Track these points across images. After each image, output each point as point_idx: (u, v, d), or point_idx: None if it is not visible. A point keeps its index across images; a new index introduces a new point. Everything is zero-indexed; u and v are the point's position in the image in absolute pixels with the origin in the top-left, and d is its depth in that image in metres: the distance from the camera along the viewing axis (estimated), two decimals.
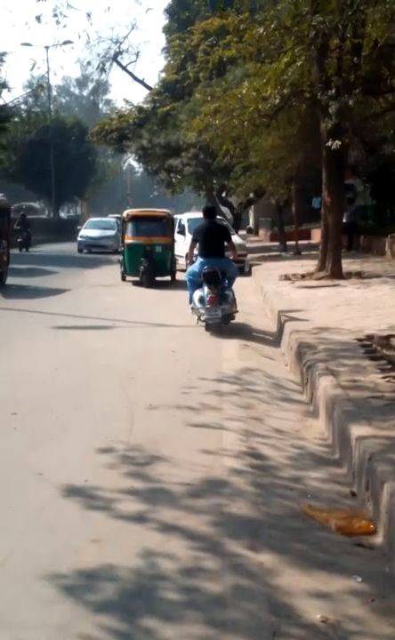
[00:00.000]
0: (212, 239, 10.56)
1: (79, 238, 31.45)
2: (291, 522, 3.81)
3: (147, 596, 3.06)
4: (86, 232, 31.83)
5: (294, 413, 5.94)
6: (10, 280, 16.77)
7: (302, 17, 12.04)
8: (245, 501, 4.01)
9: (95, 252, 29.84)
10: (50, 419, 5.65)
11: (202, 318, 10.06)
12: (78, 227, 33.09)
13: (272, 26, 12.37)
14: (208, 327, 9.92)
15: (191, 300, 10.35)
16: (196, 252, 10.69)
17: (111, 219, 34.66)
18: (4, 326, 10.60)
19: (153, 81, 38.90)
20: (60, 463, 4.62)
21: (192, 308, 10.32)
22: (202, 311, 9.94)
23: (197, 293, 10.12)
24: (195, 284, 10.40)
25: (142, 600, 3.03)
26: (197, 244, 10.64)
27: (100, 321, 10.90)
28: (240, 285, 16.34)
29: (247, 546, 3.49)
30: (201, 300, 9.95)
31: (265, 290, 13.63)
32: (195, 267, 10.48)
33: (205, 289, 9.94)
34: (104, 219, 36.39)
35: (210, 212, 11.00)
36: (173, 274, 17.26)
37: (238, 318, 10.74)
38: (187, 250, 19.60)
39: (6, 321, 11.18)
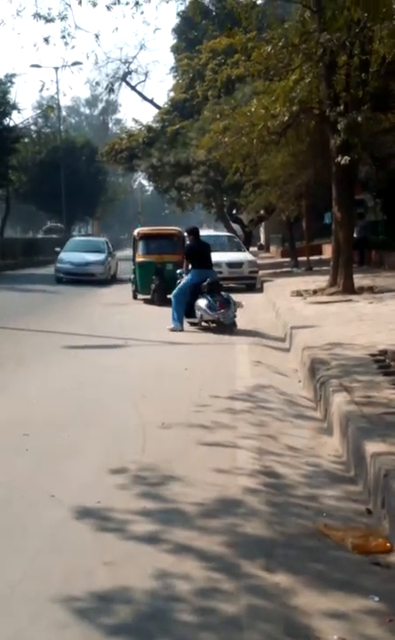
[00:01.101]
0: (204, 254, 12.60)
1: (57, 264, 24.26)
2: (306, 541, 3.76)
3: (162, 618, 3.01)
4: (67, 256, 24.31)
5: (308, 430, 5.89)
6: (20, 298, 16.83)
7: (310, 34, 12.15)
8: (260, 521, 3.97)
9: (78, 281, 22.89)
10: (62, 439, 5.62)
11: (219, 319, 11.49)
12: (56, 248, 26.16)
13: (280, 44, 12.48)
14: (221, 329, 11.41)
15: (178, 317, 11.82)
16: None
17: (100, 239, 29.96)
18: (16, 346, 10.60)
19: (162, 100, 39.12)
20: (72, 484, 4.59)
21: (201, 313, 11.82)
22: (216, 315, 11.53)
23: (202, 301, 11.73)
24: (184, 295, 12.04)
25: (157, 622, 2.98)
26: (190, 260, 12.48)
27: (112, 340, 10.90)
28: (252, 302, 16.37)
29: (262, 566, 3.44)
30: (210, 306, 11.60)
31: (277, 306, 13.61)
32: (191, 279, 12.15)
33: (209, 296, 11.72)
34: (91, 238, 32.03)
35: (196, 232, 13.11)
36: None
37: (251, 334, 10.79)
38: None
39: (20, 341, 11.19)
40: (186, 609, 3.08)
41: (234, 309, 11.74)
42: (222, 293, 12.02)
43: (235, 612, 3.05)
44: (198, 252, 12.53)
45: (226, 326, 11.47)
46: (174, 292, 12.17)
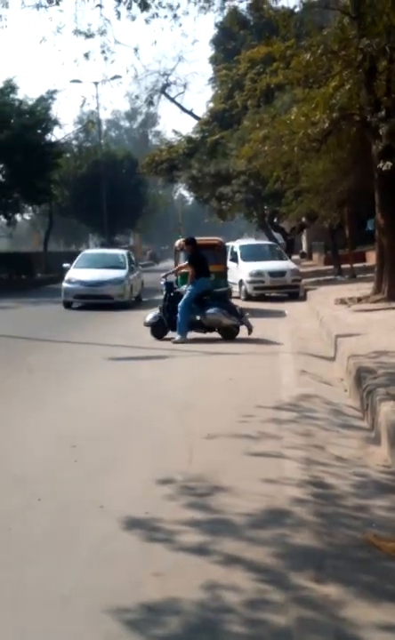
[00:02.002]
0: (205, 263, 12.95)
1: (64, 284, 19.70)
2: (356, 552, 3.71)
3: (211, 630, 3.01)
4: (77, 274, 19.80)
5: (356, 440, 5.82)
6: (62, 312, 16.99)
7: (349, 41, 12.11)
8: (309, 532, 3.94)
9: (92, 304, 18.86)
10: (109, 450, 5.66)
11: (246, 324, 11.89)
12: (65, 264, 21.57)
13: (319, 51, 12.46)
14: (229, 335, 12.07)
15: (185, 328, 12.01)
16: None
17: (119, 251, 23.64)
18: (61, 359, 10.71)
19: (201, 111, 39.34)
20: (120, 495, 4.61)
21: (218, 320, 12.00)
22: (238, 321, 11.98)
23: (216, 309, 11.99)
24: (190, 306, 12.14)
25: (207, 633, 2.98)
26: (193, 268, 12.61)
27: (155, 351, 10.95)
28: (295, 310, 16.30)
29: (312, 577, 3.41)
30: (232, 311, 12.10)
31: (321, 314, 13.52)
32: (198, 288, 12.33)
33: (219, 303, 12.09)
34: (107, 251, 25.46)
35: (194, 242, 13.32)
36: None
37: (295, 344, 10.77)
38: (240, 276, 19.67)
39: (63, 353, 11.31)
40: (235, 620, 3.06)
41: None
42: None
43: (285, 623, 3.03)
44: (202, 261, 12.81)
45: (233, 332, 12.05)
46: (182, 303, 12.10)
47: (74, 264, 20.85)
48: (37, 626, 3.08)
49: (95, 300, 19.00)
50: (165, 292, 12.55)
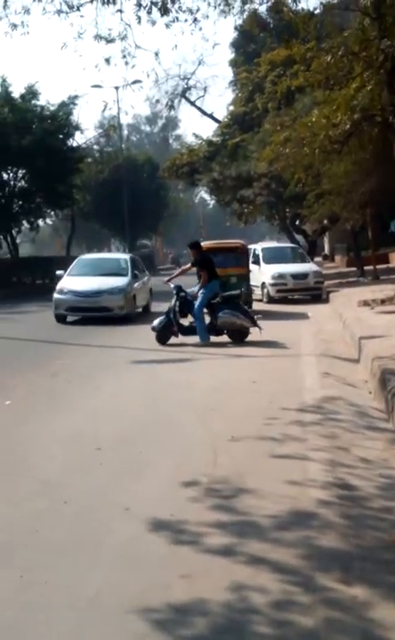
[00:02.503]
0: (213, 265, 12.89)
1: (56, 295, 16.85)
2: (383, 554, 3.70)
3: (238, 631, 3.01)
4: (71, 283, 17.05)
5: (381, 442, 5.80)
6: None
7: (370, 42, 12.07)
8: (335, 533, 3.93)
9: (88, 317, 16.48)
10: (133, 453, 5.68)
11: (257, 326, 11.88)
12: (58, 272, 18.80)
13: (340, 52, 12.42)
14: (239, 337, 12.04)
15: (203, 330, 12.03)
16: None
17: (121, 255, 21.40)
18: (84, 362, 10.77)
19: (222, 114, 39.42)
20: (145, 497, 4.63)
21: (234, 321, 12.01)
22: (251, 324, 11.94)
23: (227, 311, 11.96)
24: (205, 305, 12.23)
25: (234, 634, 2.99)
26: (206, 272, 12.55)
27: (178, 354, 10.97)
28: (318, 312, 16.25)
29: (339, 579, 3.40)
30: (246, 314, 12.09)
31: (344, 316, 13.47)
32: (211, 291, 12.32)
33: (230, 306, 12.03)
34: (108, 255, 23.52)
35: (199, 245, 13.42)
36: (249, 304, 17.21)
37: (318, 346, 10.75)
38: (262, 278, 19.63)
39: (87, 357, 11.36)
40: (262, 621, 3.07)
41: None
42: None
43: (312, 624, 3.03)
44: (210, 264, 12.83)
45: (243, 335, 12.06)
46: (197, 308, 12.17)
47: (68, 271, 18.09)
48: (64, 627, 3.11)
49: (91, 312, 16.42)
50: (175, 296, 12.43)
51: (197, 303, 12.16)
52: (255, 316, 12.18)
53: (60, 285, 16.99)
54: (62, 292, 16.73)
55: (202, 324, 11.96)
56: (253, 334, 11.93)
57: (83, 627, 3.10)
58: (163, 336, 12.17)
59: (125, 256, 19.93)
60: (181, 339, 12.17)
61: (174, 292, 12.50)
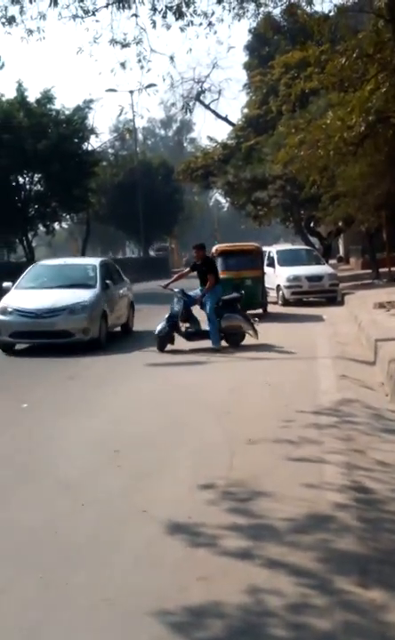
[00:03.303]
0: (217, 269, 12.82)
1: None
2: None
3: (255, 633, 3.03)
4: (19, 298, 12.98)
5: None
6: None
7: (385, 44, 12.02)
8: (352, 537, 3.93)
9: (42, 345, 12.40)
10: (150, 455, 5.71)
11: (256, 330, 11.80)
12: (4, 283, 14.38)
13: (354, 55, 12.39)
14: (235, 341, 11.87)
15: (216, 334, 11.76)
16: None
17: (89, 261, 16.28)
18: (101, 365, 10.80)
19: (236, 117, 39.29)
20: (163, 500, 4.65)
21: (238, 324, 11.89)
22: (252, 327, 11.81)
23: (232, 314, 11.82)
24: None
25: (250, 637, 3.01)
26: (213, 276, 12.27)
27: (192, 356, 10.98)
28: (333, 315, 16.21)
29: (357, 582, 3.40)
30: (246, 318, 11.92)
31: (359, 319, 13.43)
32: (218, 293, 12.16)
33: (232, 309, 11.90)
34: (71, 261, 17.43)
35: (204, 247, 12.98)
36: (264, 306, 17.24)
37: (333, 349, 10.75)
38: (277, 281, 19.58)
39: (104, 360, 11.39)
40: (279, 624, 3.08)
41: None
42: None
43: (329, 627, 3.04)
44: (215, 267, 12.68)
45: (240, 338, 11.90)
46: (210, 312, 11.84)
47: (17, 283, 13.77)
48: (83, 627, 3.13)
49: (45, 339, 12.28)
50: (181, 301, 11.89)
51: (207, 307, 11.93)
52: (253, 320, 12.05)
53: (3, 302, 12.68)
54: (5, 312, 12.33)
55: (215, 329, 11.81)
56: (248, 338, 11.87)
57: (102, 628, 3.12)
58: (163, 342, 11.69)
59: (94, 261, 15.06)
60: (179, 344, 11.81)
61: (178, 295, 12.04)
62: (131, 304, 15.14)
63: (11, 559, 3.88)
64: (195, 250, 12.87)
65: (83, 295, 12.67)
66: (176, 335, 11.84)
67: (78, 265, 15.22)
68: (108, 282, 13.56)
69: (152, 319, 13.33)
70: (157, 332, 11.72)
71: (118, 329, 14.41)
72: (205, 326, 11.99)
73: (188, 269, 12.94)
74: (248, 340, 11.87)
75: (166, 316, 11.82)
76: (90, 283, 13.30)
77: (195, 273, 12.69)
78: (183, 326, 11.97)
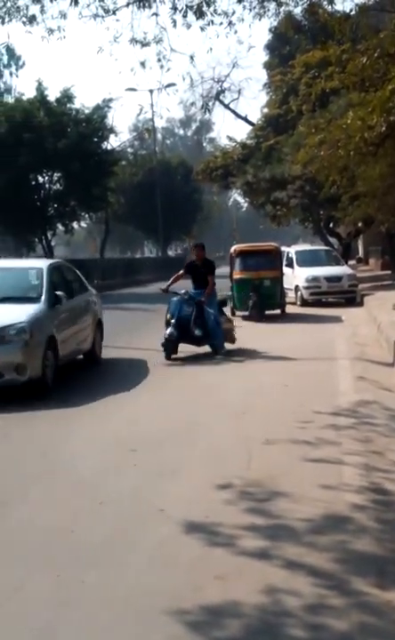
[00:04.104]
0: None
1: None
2: None
3: (272, 633, 3.03)
4: None
5: None
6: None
7: None
8: (370, 538, 3.91)
9: None
10: (167, 454, 5.72)
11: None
12: None
13: (375, 54, 12.32)
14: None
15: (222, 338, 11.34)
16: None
17: (34, 264, 11.28)
18: (119, 365, 10.81)
19: (255, 116, 39.20)
20: (179, 499, 4.65)
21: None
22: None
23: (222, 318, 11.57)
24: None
25: (268, 637, 3.00)
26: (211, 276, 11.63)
27: (208, 356, 10.96)
28: (352, 316, 16.14)
29: (374, 583, 3.39)
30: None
31: (379, 320, 13.37)
32: (216, 294, 11.71)
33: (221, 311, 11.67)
34: (8, 264, 12.65)
35: (204, 247, 12.35)
36: (282, 307, 17.21)
37: (352, 350, 10.73)
38: (296, 281, 19.50)
39: (122, 359, 11.41)
40: (296, 624, 3.07)
41: None
42: None
43: (346, 628, 3.03)
44: (214, 268, 12.02)
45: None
46: (216, 316, 11.13)
47: None
48: (99, 626, 3.14)
49: None
50: (190, 305, 11.05)
51: (212, 311, 11.14)
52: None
53: None
54: None
55: (221, 332, 11.26)
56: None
57: (117, 626, 3.13)
58: (171, 348, 10.82)
59: (40, 264, 10.67)
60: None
61: (185, 297, 11.18)
62: (98, 323, 11.08)
63: (27, 558, 3.89)
64: (195, 249, 12.32)
65: (18, 314, 8.60)
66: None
67: (16, 270, 10.85)
68: (59, 293, 9.39)
69: (151, 327, 13.10)
70: (166, 336, 10.78)
71: (80, 356, 10.43)
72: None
73: (182, 272, 11.87)
74: (264, 341, 11.87)
75: (171, 320, 10.96)
76: (32, 295, 9.36)
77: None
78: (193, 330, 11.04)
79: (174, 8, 10.52)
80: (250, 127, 37.69)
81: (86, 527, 4.28)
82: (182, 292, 11.33)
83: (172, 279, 11.83)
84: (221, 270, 17.06)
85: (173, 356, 10.81)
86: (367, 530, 4.03)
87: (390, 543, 3.85)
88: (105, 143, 35.76)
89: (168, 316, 11.13)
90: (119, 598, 3.36)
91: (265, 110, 36.30)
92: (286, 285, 17.68)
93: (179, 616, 3.16)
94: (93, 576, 3.61)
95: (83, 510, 4.55)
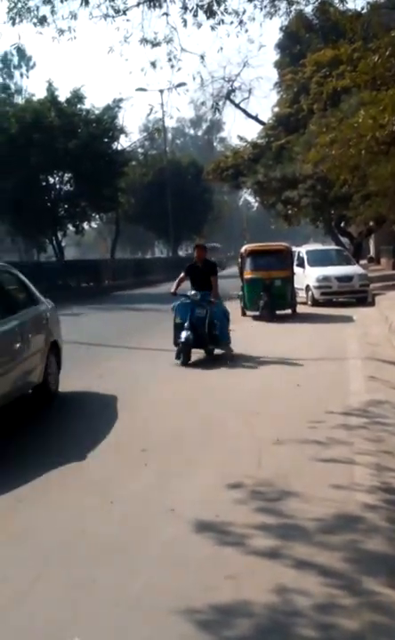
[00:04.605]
0: None
1: None
2: None
3: (283, 633, 3.02)
4: None
5: None
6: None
7: None
8: (381, 537, 3.90)
9: None
10: (178, 454, 5.71)
11: None
12: None
13: (387, 53, 12.28)
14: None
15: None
16: None
17: None
18: (129, 365, 10.83)
19: (266, 116, 39.17)
20: (190, 499, 4.65)
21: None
22: None
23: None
24: None
25: (278, 636, 3.00)
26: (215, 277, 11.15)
27: (219, 356, 10.95)
28: (363, 316, 16.09)
29: (385, 583, 3.38)
30: None
31: (390, 320, 13.32)
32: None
33: None
34: None
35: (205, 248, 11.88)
36: (293, 307, 17.17)
37: (363, 349, 10.68)
38: (307, 281, 19.46)
39: (132, 360, 11.43)
40: (307, 623, 3.07)
41: None
42: None
43: (357, 628, 3.02)
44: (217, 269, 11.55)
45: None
46: (222, 318, 10.86)
47: None
48: (110, 625, 3.14)
49: None
50: (204, 306, 10.64)
51: (216, 312, 10.80)
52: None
53: None
54: None
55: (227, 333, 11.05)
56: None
57: (128, 625, 3.13)
58: (188, 354, 10.41)
59: None
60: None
61: (196, 299, 10.72)
62: (51, 345, 8.34)
63: (38, 557, 3.90)
64: (196, 250, 11.66)
65: None
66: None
67: None
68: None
69: (163, 328, 12.35)
70: (182, 340, 10.33)
71: (29, 391, 7.71)
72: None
73: (183, 274, 11.26)
74: (275, 341, 11.85)
75: (183, 324, 10.53)
76: None
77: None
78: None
79: (185, 7, 10.52)
80: (261, 126, 37.65)
81: (97, 526, 4.28)
82: (192, 293, 10.86)
83: (176, 282, 11.22)
84: (232, 270, 16.86)
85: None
86: (379, 529, 4.01)
87: None
88: (115, 143, 35.86)
89: (178, 320, 10.71)
90: (130, 597, 3.36)
91: (276, 109, 36.25)
92: (296, 285, 17.65)
93: (189, 615, 3.16)
94: (104, 575, 3.62)
95: (93, 510, 4.56)
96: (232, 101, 42.78)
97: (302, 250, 22.55)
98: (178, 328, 10.60)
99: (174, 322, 10.76)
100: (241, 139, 36.55)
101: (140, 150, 48.64)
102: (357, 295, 19.97)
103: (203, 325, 10.53)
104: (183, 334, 10.36)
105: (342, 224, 33.28)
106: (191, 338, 10.35)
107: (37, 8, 10.10)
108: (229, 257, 61.08)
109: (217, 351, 11.02)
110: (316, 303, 19.62)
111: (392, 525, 4.07)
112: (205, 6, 10.39)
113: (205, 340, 10.60)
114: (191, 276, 11.18)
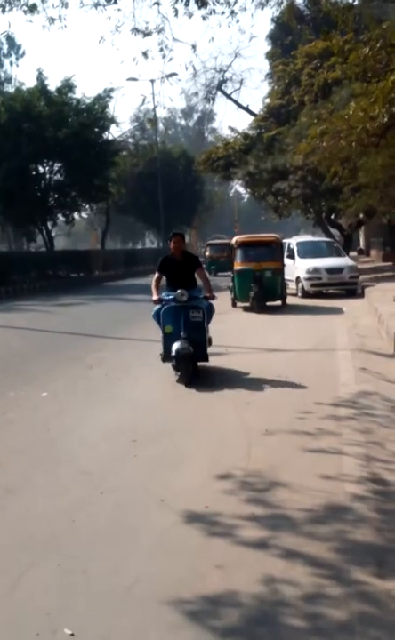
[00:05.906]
0: None
1: None
2: None
3: (271, 623, 3.04)
4: None
5: None
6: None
7: None
8: (369, 528, 3.93)
9: None
10: (168, 445, 5.72)
11: None
12: None
13: (378, 45, 12.27)
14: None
15: None
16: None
17: None
18: (121, 356, 10.84)
19: (257, 107, 39.25)
20: (180, 489, 4.67)
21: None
22: None
23: None
24: None
25: (267, 626, 3.02)
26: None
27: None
28: (353, 307, 16.14)
29: (373, 573, 3.41)
30: None
31: (380, 311, 13.36)
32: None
33: None
34: None
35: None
36: (283, 298, 17.20)
37: (353, 341, 10.70)
38: (297, 273, 19.48)
39: (124, 350, 11.44)
40: (295, 613, 3.10)
41: None
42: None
43: (345, 617, 3.05)
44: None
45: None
46: (208, 321, 8.86)
47: None
48: (100, 615, 3.16)
49: None
50: (200, 306, 8.64)
51: (206, 314, 8.72)
52: None
53: None
54: None
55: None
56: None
57: (118, 615, 3.15)
58: (188, 367, 8.31)
59: None
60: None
61: (184, 299, 8.55)
62: None
63: (29, 547, 3.91)
64: (173, 240, 9.00)
65: None
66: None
67: None
68: None
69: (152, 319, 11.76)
70: (179, 352, 8.22)
71: None
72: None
73: (158, 275, 9.04)
74: (265, 332, 11.86)
75: (172, 333, 8.51)
76: None
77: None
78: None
79: None
80: (252, 117, 37.65)
81: (87, 516, 4.29)
82: (178, 292, 8.56)
83: (154, 285, 8.90)
84: None
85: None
86: (367, 520, 4.04)
87: (390, 533, 3.86)
88: (106, 133, 35.74)
89: (169, 328, 8.56)
90: (120, 588, 3.38)
91: (267, 101, 36.25)
92: (286, 276, 17.67)
93: (179, 605, 3.19)
94: (95, 565, 3.63)
95: (84, 500, 4.57)
96: (224, 92, 42.79)
97: (292, 241, 22.56)
98: (169, 339, 8.49)
99: (163, 332, 8.63)
100: (232, 130, 36.64)
101: (130, 140, 48.45)
102: (346, 287, 20.02)
103: (203, 332, 8.60)
104: (176, 345, 8.26)
105: (333, 216, 33.32)
106: (189, 348, 8.27)
107: None
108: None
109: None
110: (306, 294, 19.66)
111: (380, 516, 4.10)
112: None
113: (205, 351, 8.69)
114: (168, 272, 9.06)
